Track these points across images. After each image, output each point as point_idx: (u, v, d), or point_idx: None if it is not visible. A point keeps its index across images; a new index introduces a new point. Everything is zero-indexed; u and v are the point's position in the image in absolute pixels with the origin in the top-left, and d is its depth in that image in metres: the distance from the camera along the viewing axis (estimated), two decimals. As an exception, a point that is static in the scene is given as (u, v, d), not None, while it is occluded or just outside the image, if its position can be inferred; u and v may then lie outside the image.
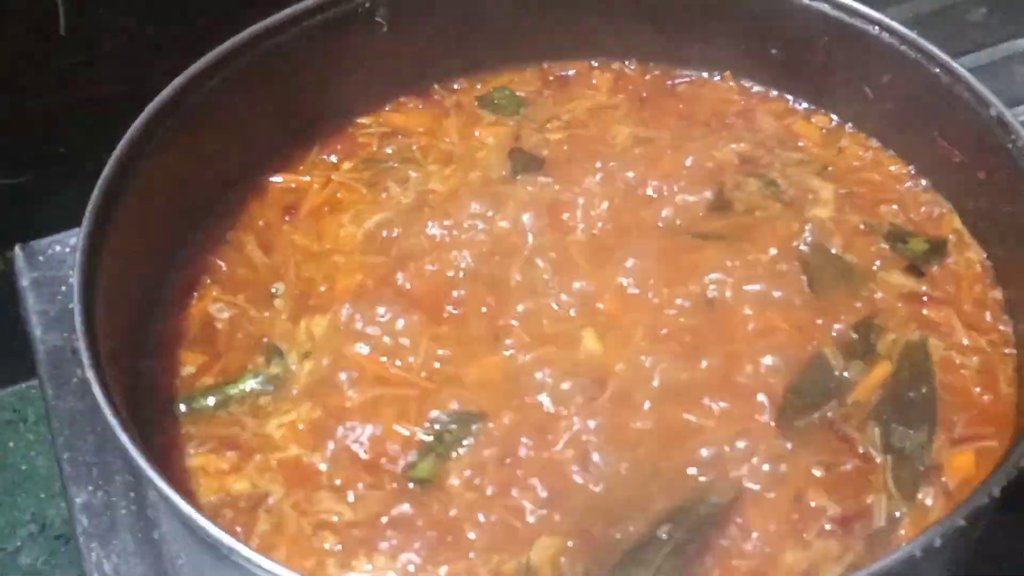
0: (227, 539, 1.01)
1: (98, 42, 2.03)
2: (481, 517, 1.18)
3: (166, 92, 1.37)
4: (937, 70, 1.38)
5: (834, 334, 1.32)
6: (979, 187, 1.39)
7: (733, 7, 1.55)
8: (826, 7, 1.46)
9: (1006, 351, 1.32)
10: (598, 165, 1.50)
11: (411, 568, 1.15)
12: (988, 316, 1.35)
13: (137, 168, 1.32)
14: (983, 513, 1.02)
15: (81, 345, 1.16)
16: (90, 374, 1.14)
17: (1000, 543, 1.22)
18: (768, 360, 1.29)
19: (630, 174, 1.49)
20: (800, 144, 1.54)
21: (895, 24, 1.41)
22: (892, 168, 1.51)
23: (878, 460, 1.22)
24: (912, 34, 1.40)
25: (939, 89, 1.38)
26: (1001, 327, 1.34)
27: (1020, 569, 1.31)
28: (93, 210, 1.26)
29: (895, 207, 1.46)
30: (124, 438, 1.08)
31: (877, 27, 1.43)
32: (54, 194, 1.78)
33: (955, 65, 1.37)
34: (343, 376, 1.29)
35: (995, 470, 1.02)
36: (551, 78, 1.65)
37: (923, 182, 1.49)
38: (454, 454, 1.22)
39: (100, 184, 1.28)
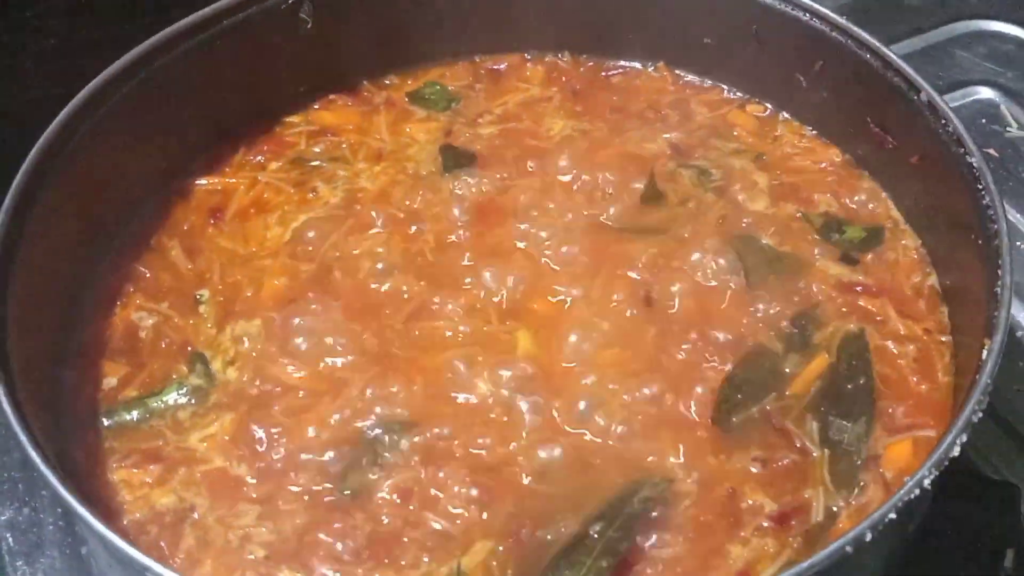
0: (141, 557, 0.98)
1: (23, 45, 1.98)
2: (411, 524, 1.15)
3: (82, 95, 1.34)
4: (868, 56, 1.37)
5: (771, 326, 1.31)
6: (912, 172, 1.38)
7: (664, -4, 1.53)
8: (757, -6, 1.45)
9: (942, 339, 1.30)
10: (531, 159, 1.48)
11: (341, 578, 1.12)
12: (923, 305, 1.34)
13: (53, 173, 1.29)
14: (916, 505, 1.00)
15: (-9, 359, 1.12)
16: (1, 390, 1.10)
17: (942, 530, 1.22)
18: (703, 354, 1.27)
19: (563, 166, 1.47)
20: (735, 133, 1.53)
21: (825, 10, 1.40)
22: (827, 156, 1.50)
23: (815, 454, 1.20)
24: (842, 20, 1.39)
25: (871, 75, 1.37)
26: (937, 315, 1.33)
27: (964, 554, 1.30)
28: (5, 217, 1.22)
29: (830, 195, 1.45)
30: (34, 455, 1.04)
31: (808, 14, 1.42)
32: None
33: (886, 50, 1.35)
34: (269, 384, 1.26)
35: (925, 462, 1.00)
36: (483, 72, 1.62)
37: (858, 169, 1.48)
38: (383, 461, 1.19)
39: (12, 191, 1.24)
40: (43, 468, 1.03)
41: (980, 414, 1.04)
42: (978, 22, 1.97)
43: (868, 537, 0.96)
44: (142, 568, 0.98)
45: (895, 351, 1.29)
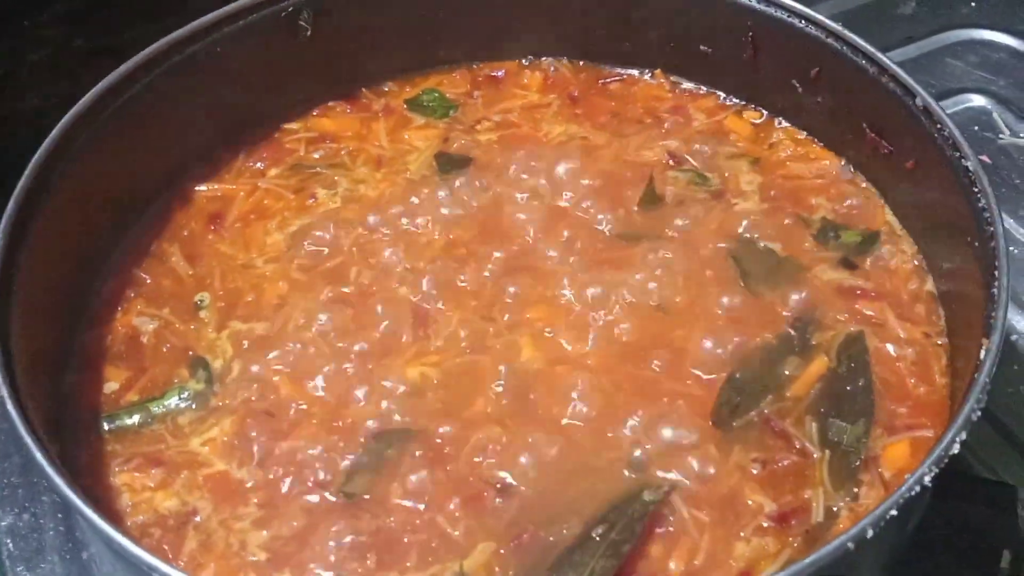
0: (148, 558, 0.98)
1: (22, 54, 1.99)
2: (414, 526, 1.16)
3: (84, 101, 1.34)
4: (863, 61, 1.38)
5: (770, 329, 1.31)
6: (908, 177, 1.39)
7: (660, 4, 1.54)
8: (752, 2, 1.46)
9: (939, 342, 1.31)
10: (530, 165, 1.49)
11: (345, 580, 1.13)
12: (921, 309, 1.35)
13: (54, 180, 1.29)
14: (916, 503, 1.01)
15: (-4, 361, 1.13)
16: (5, 393, 1.10)
17: (937, 530, 1.22)
18: (703, 357, 1.28)
19: (561, 172, 1.48)
20: (731, 139, 1.54)
21: (820, 17, 1.41)
22: (823, 161, 1.51)
23: (815, 455, 1.21)
24: (838, 26, 1.40)
25: (866, 80, 1.38)
26: (935, 318, 1.34)
27: (960, 555, 1.31)
28: (7, 224, 1.22)
29: (826, 200, 1.46)
30: (40, 457, 1.04)
31: (803, 20, 1.43)
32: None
33: (881, 56, 1.37)
34: (270, 388, 1.27)
35: (925, 459, 1.01)
36: (481, 79, 1.64)
37: (854, 174, 1.49)
38: (385, 464, 1.20)
39: (15, 198, 1.24)
40: (49, 471, 1.03)
41: (979, 412, 1.05)
42: (969, 31, 1.99)
43: (869, 534, 0.97)
44: (149, 569, 0.98)
45: (894, 354, 1.30)
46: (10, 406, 1.09)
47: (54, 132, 1.31)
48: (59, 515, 1.37)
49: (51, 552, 1.35)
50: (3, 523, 1.37)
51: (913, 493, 0.99)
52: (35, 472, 1.39)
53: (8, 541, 1.36)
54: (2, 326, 1.16)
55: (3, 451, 1.42)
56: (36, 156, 1.28)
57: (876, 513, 0.97)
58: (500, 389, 1.25)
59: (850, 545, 0.96)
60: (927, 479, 1.00)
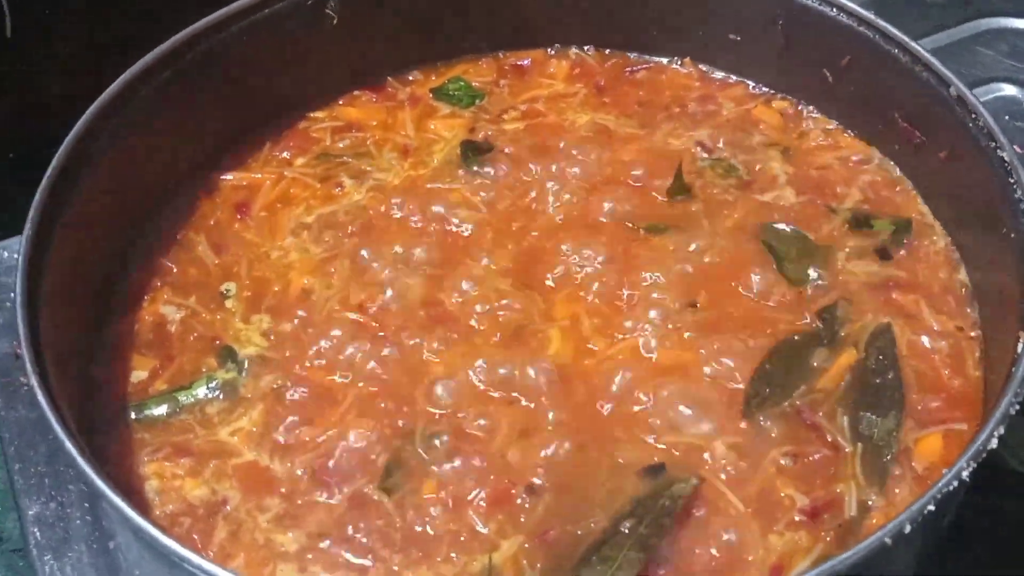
0: (177, 548, 0.97)
1: (46, 45, 1.99)
2: (444, 520, 1.15)
3: (110, 91, 1.34)
4: (896, 50, 1.37)
5: (800, 320, 1.30)
6: (941, 167, 1.37)
7: (691, -8, 1.53)
8: (783, -11, 1.45)
9: (972, 334, 1.30)
10: (556, 154, 1.48)
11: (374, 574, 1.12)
12: (954, 300, 1.33)
13: (82, 170, 1.29)
14: (953, 497, 1.00)
15: (25, 353, 1.12)
16: (35, 382, 1.10)
17: (972, 524, 1.21)
18: (732, 348, 1.27)
19: (589, 162, 1.47)
20: (760, 128, 1.52)
21: (852, 5, 1.40)
22: (854, 151, 1.49)
23: (847, 449, 1.20)
24: (870, 15, 1.39)
25: (898, 69, 1.37)
26: (968, 310, 1.32)
27: (992, 550, 1.30)
28: (36, 215, 1.22)
29: (857, 190, 1.44)
30: (69, 445, 1.04)
31: (835, 8, 1.42)
32: (2, 200, 1.74)
33: (914, 45, 1.35)
34: (298, 379, 1.26)
35: (963, 453, 1.00)
36: (507, 67, 1.62)
37: (885, 164, 1.47)
38: (415, 458, 1.19)
39: (42, 188, 1.24)
40: (80, 461, 1.03)
41: (1017, 407, 1.03)
42: (1000, 19, 1.96)
43: (907, 529, 0.96)
44: (179, 559, 0.98)
45: (928, 346, 1.28)
46: (40, 396, 1.08)
47: (80, 123, 1.30)
48: (86, 504, 1.37)
49: (78, 541, 1.35)
50: (30, 512, 1.37)
51: (951, 488, 0.98)
52: (62, 461, 1.38)
53: (35, 530, 1.35)
54: (31, 316, 1.16)
55: (29, 440, 1.42)
56: (63, 147, 1.28)
57: (913, 508, 0.96)
58: (533, 383, 1.24)
59: (887, 540, 0.95)
60: (965, 474, 0.99)
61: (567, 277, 1.35)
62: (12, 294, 1.50)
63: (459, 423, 1.21)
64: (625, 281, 1.34)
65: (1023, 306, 1.13)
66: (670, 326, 1.30)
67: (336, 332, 1.29)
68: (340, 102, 1.58)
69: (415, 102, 1.58)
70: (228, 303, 1.34)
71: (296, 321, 1.31)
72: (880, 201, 1.44)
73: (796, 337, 1.29)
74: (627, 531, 1.12)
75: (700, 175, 1.46)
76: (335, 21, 1.50)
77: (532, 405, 1.23)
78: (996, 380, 1.18)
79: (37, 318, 1.17)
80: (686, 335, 1.29)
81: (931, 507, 0.97)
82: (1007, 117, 1.80)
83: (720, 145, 1.49)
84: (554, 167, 1.47)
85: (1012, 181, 1.22)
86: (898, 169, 1.46)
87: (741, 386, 1.24)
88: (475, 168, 1.47)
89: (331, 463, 1.19)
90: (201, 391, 1.26)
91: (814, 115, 1.54)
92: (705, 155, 1.48)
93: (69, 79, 1.84)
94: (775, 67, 1.54)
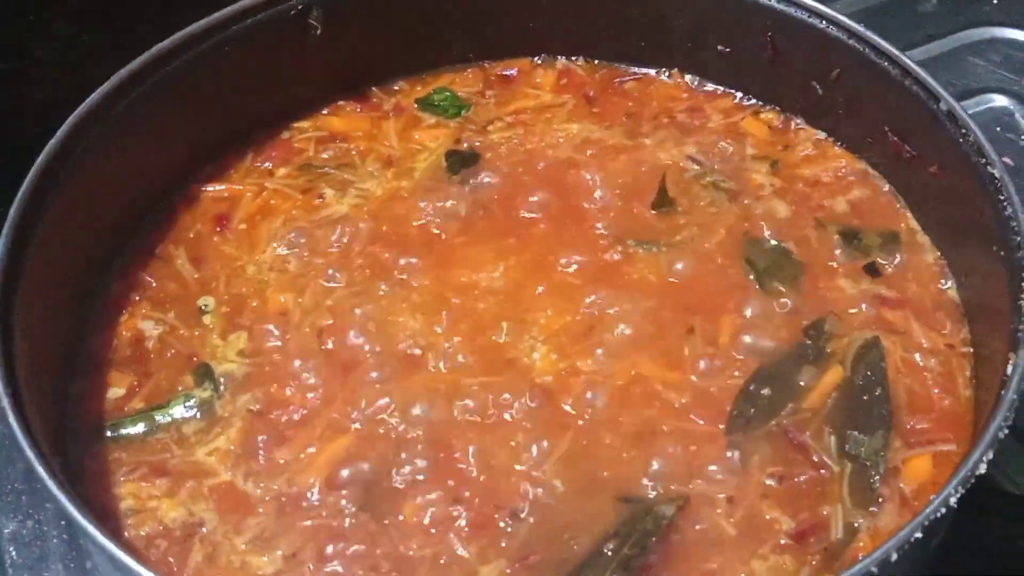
0: (146, 574, 0.95)
1: (30, 49, 1.97)
2: (424, 542, 1.13)
3: (90, 100, 1.32)
4: (886, 63, 1.35)
5: (786, 336, 1.28)
6: (930, 182, 1.35)
7: (678, 2, 1.51)
8: (771, 1, 1.42)
9: (962, 351, 1.28)
10: (541, 166, 1.46)
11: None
12: (944, 317, 1.31)
13: (60, 180, 1.27)
14: (941, 523, 0.98)
15: (-2, 369, 1.10)
16: (5, 401, 1.08)
17: (961, 545, 1.19)
18: (717, 365, 1.25)
19: (574, 174, 1.45)
20: (748, 141, 1.50)
21: (842, 17, 1.38)
22: (842, 163, 1.48)
23: (834, 469, 1.18)
24: (859, 27, 1.37)
25: (888, 83, 1.35)
26: (958, 327, 1.30)
27: (982, 571, 1.28)
28: (11, 226, 1.20)
29: (846, 204, 1.43)
30: (39, 467, 1.02)
31: (824, 21, 1.40)
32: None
33: (904, 58, 1.33)
34: (276, 398, 1.24)
35: (951, 479, 0.98)
36: (493, 78, 1.60)
37: (874, 178, 1.46)
38: (394, 479, 1.17)
39: (19, 198, 1.22)
40: (48, 482, 1.01)
41: (1007, 431, 1.02)
42: (992, 29, 1.95)
43: (893, 557, 0.94)
44: (148, 584, 0.96)
45: (920, 363, 1.26)
46: (10, 414, 1.07)
47: (60, 132, 1.28)
48: (63, 523, 1.35)
49: (54, 560, 1.33)
50: (6, 530, 1.35)
51: (939, 515, 0.96)
52: (38, 479, 1.36)
53: (11, 549, 1.34)
54: (5, 330, 1.14)
55: (7, 457, 1.40)
56: (41, 156, 1.26)
57: (900, 536, 0.95)
58: (516, 404, 1.22)
59: (873, 569, 0.93)
60: (952, 500, 0.97)
61: (550, 289, 1.33)
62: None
63: (439, 445, 1.19)
64: (607, 294, 1.32)
65: (1014, 327, 1.11)
66: (654, 341, 1.28)
67: (314, 350, 1.27)
68: (324, 112, 1.56)
69: (400, 112, 1.56)
70: (206, 319, 1.32)
71: (273, 339, 1.29)
72: (869, 215, 1.42)
73: (781, 356, 1.27)
74: (610, 553, 1.11)
75: (687, 186, 1.44)
76: (319, 31, 1.48)
77: (514, 427, 1.21)
78: (986, 399, 1.16)
79: (11, 332, 1.14)
80: (671, 353, 1.27)
81: (918, 534, 0.95)
82: (998, 128, 1.79)
83: (707, 157, 1.47)
84: (539, 178, 1.45)
85: (1002, 198, 1.20)
86: (888, 183, 1.45)
87: (726, 405, 1.22)
88: (460, 178, 1.45)
89: (307, 484, 1.17)
90: (178, 410, 1.24)
91: (803, 127, 1.52)
92: (694, 167, 1.46)
93: (49, 84, 1.82)
94: (764, 79, 1.52)
